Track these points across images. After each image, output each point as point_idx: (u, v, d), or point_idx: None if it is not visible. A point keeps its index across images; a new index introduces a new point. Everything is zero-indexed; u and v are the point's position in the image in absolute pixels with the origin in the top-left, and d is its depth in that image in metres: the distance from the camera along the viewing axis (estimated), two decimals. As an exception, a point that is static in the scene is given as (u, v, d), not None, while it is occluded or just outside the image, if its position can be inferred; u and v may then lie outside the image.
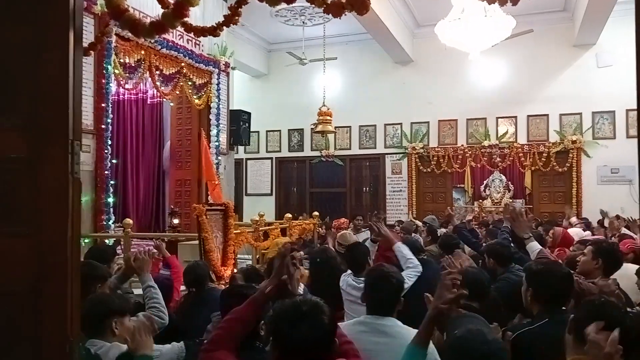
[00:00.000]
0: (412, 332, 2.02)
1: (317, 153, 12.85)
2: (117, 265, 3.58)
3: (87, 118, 6.37)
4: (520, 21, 8.05)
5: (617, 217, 7.35)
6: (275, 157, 13.27)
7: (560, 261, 3.40)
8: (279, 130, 13.16)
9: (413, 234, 6.40)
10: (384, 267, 2.57)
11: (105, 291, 2.75)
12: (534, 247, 3.52)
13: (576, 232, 6.30)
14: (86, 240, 6.03)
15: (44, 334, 1.32)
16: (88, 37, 5.49)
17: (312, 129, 11.17)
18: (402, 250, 3.68)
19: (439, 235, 5.94)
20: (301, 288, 3.16)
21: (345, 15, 2.09)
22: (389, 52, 11.41)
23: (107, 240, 6.12)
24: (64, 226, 1.36)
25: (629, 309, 2.25)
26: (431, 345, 1.99)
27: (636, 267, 3.58)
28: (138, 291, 3.08)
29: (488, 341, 1.62)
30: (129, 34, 6.66)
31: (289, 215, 8.00)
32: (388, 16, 9.63)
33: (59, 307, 1.33)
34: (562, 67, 10.94)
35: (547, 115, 11.12)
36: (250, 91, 12.73)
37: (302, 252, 5.64)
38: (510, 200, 11.03)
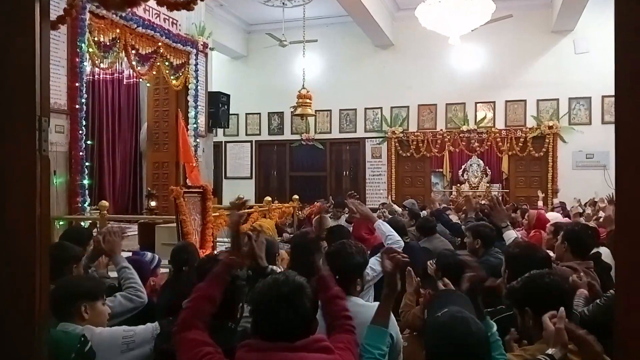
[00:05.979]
0: (372, 307, 2.01)
1: (297, 137, 12.79)
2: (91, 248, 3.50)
3: (61, 98, 6.21)
4: (499, 6, 8.08)
5: (593, 202, 7.50)
6: (255, 140, 13.18)
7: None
8: (259, 113, 13.05)
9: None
10: (345, 243, 2.42)
11: (80, 272, 2.67)
12: (510, 235, 3.58)
13: (555, 217, 6.32)
14: (61, 223, 5.94)
15: (11, 317, 1.28)
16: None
17: (291, 112, 11.09)
18: (382, 227, 3.61)
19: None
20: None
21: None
22: (370, 35, 11.35)
23: (82, 223, 6.02)
24: (32, 205, 1.32)
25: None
26: (392, 320, 2.04)
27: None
28: (115, 274, 3.00)
29: (472, 332, 1.58)
30: (104, 12, 6.50)
31: (268, 198, 7.97)
32: (369, -2, 9.55)
33: (26, 289, 1.30)
34: (540, 53, 11.04)
35: (525, 100, 11.24)
36: (229, 73, 12.56)
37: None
38: (488, 185, 11.19)
